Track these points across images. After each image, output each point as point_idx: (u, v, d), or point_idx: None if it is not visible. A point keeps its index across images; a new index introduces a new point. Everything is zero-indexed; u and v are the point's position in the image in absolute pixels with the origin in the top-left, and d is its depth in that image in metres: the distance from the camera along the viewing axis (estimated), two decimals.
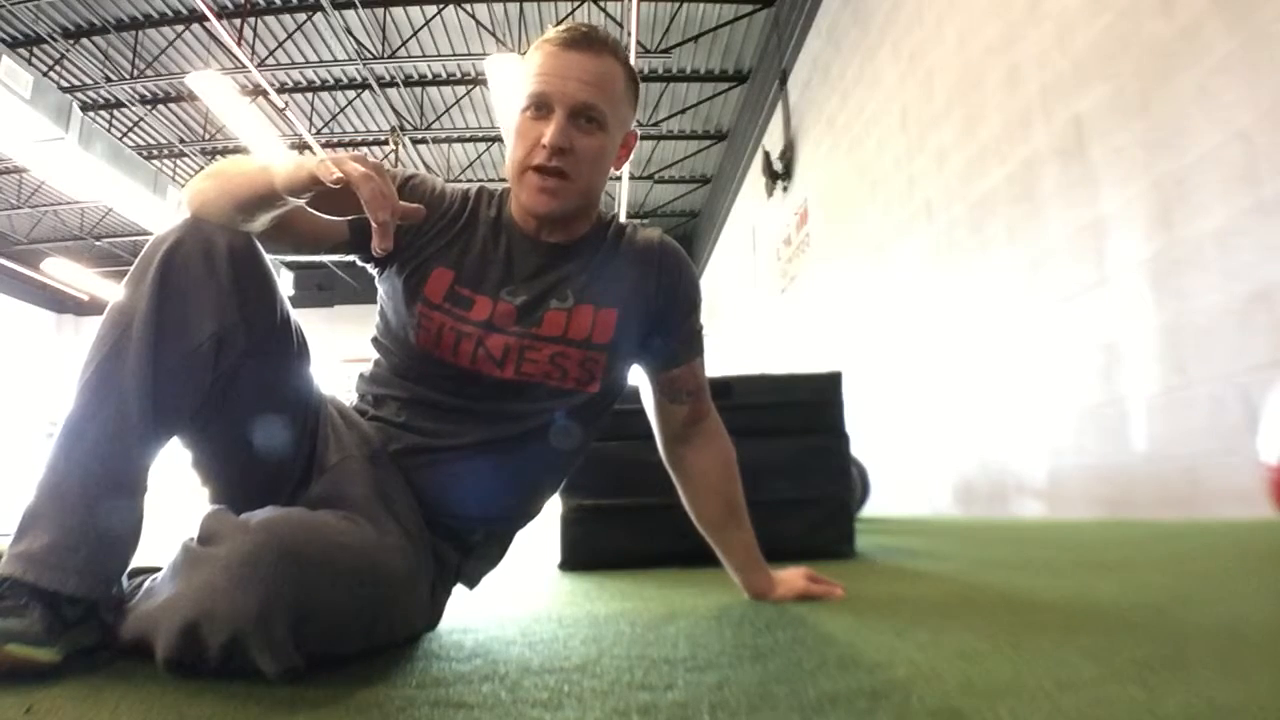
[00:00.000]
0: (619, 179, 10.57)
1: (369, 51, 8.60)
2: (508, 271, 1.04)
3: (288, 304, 0.94)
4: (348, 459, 0.95)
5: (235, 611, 0.69)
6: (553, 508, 2.05)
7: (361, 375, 1.11)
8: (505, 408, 1.03)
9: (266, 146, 9.10)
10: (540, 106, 0.99)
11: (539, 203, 1.00)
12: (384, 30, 8.40)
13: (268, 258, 0.91)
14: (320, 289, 15.08)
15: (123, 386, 0.80)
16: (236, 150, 10.40)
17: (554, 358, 1.03)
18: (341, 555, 0.77)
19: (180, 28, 8.21)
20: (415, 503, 1.00)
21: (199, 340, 0.82)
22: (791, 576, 1.26)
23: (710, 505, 1.21)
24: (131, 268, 0.85)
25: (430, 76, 9.49)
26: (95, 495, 0.78)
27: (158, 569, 0.86)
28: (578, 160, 0.99)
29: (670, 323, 1.14)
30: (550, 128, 0.98)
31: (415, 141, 10.67)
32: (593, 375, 1.05)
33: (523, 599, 1.50)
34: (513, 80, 7.38)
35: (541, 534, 2.48)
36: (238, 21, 7.98)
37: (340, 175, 0.78)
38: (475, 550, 1.08)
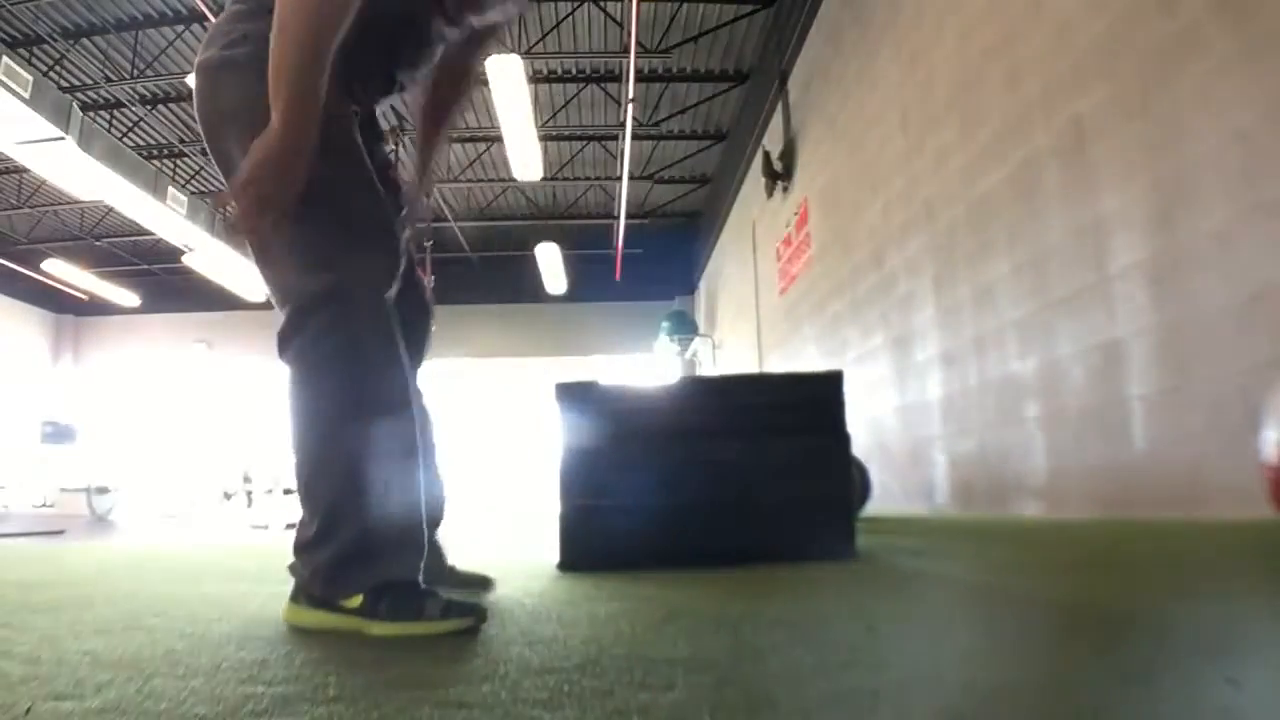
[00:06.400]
0: (619, 179, 10.55)
1: None
2: None
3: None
4: None
5: None
6: (552, 508, 2.05)
7: None
8: None
9: None
10: None
11: None
12: None
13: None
14: None
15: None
16: None
17: None
18: None
19: (180, 28, 8.20)
20: None
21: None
22: None
23: None
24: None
25: None
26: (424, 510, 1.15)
27: None
28: None
29: None
30: None
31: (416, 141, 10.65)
32: None
33: (523, 599, 1.50)
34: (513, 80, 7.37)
35: (541, 534, 2.48)
36: None
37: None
38: None
